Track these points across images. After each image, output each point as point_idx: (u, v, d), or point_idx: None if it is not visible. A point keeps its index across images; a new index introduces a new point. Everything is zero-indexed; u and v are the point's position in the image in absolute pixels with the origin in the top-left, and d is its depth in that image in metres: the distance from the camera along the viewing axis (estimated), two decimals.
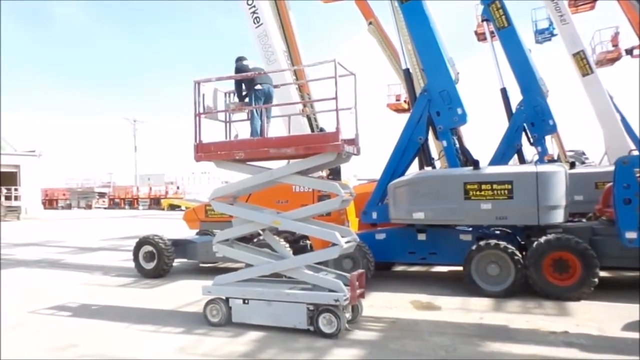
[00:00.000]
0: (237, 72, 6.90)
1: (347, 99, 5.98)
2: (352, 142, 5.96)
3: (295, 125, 8.43)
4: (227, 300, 6.07)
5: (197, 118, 6.33)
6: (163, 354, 5.13)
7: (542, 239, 7.16)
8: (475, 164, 7.95)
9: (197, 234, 11.12)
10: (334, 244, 5.75)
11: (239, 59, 7.22)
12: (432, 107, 8.74)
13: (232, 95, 7.05)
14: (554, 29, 18.41)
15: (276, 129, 7.56)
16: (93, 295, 8.14)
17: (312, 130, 10.18)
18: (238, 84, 6.90)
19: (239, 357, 5.00)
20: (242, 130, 6.91)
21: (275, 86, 7.37)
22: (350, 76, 6.07)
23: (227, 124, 6.90)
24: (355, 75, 6.06)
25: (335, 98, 5.63)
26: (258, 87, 6.78)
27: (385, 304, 6.98)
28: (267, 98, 6.89)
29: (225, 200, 6.45)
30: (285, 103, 8.43)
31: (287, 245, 8.03)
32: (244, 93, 6.89)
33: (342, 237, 5.82)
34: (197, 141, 6.29)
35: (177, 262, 10.25)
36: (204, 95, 6.48)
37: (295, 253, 8.00)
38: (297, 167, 5.99)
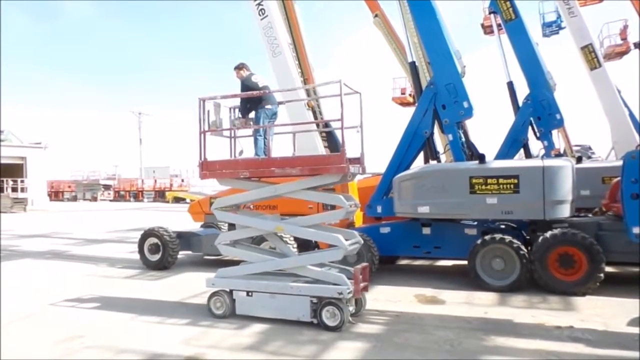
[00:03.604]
0: (247, 89, 6.88)
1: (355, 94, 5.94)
2: (357, 161, 5.95)
3: (302, 136, 8.48)
4: (231, 292, 6.10)
5: (202, 136, 6.34)
6: (169, 345, 5.15)
7: (548, 234, 7.13)
8: (481, 158, 7.90)
9: (201, 226, 11.16)
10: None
11: (241, 67, 7.19)
12: (438, 101, 8.67)
13: (236, 110, 7.05)
14: (561, 21, 18.22)
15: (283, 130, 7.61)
16: (99, 287, 8.19)
17: (317, 125, 10.13)
18: (244, 99, 6.90)
19: (245, 349, 5.02)
20: (246, 145, 6.98)
21: (281, 103, 7.46)
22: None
23: (232, 140, 6.90)
24: (360, 94, 6.03)
25: (341, 119, 5.63)
26: (269, 107, 6.87)
27: (390, 298, 6.99)
28: (273, 116, 7.01)
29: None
30: (294, 123, 8.51)
31: (292, 237, 8.03)
32: (248, 108, 6.96)
33: (346, 239, 5.84)
34: (202, 159, 6.31)
35: (181, 254, 10.30)
36: (208, 111, 6.50)
37: (299, 246, 8.04)
38: (301, 185, 6.04)
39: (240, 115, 7.02)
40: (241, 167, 6.20)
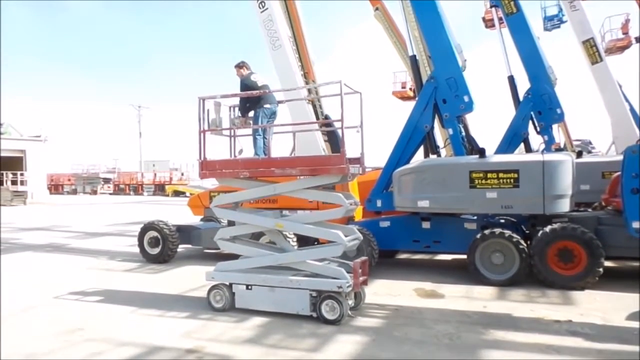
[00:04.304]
0: (246, 88, 6.86)
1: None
2: (357, 161, 5.93)
3: (303, 133, 8.43)
4: (230, 286, 6.10)
5: (202, 135, 6.31)
6: (169, 338, 5.17)
7: (548, 228, 7.14)
8: (481, 152, 7.89)
9: (201, 220, 11.16)
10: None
11: (241, 65, 7.19)
12: (439, 95, 8.64)
13: (236, 109, 7.03)
14: (563, 15, 18.16)
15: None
16: (99, 280, 8.21)
17: (317, 117, 10.11)
18: (243, 98, 6.88)
19: (244, 342, 5.03)
20: (245, 143, 6.98)
21: (280, 102, 7.45)
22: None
23: (232, 139, 6.87)
24: (360, 94, 6.01)
25: (341, 120, 5.62)
26: (267, 106, 6.87)
27: (389, 292, 7.00)
28: (272, 115, 6.99)
29: (227, 207, 6.48)
30: (295, 123, 8.43)
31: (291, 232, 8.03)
32: (247, 107, 6.95)
33: (346, 235, 5.85)
34: (202, 158, 6.30)
35: (181, 247, 10.32)
36: (208, 110, 6.48)
37: (299, 239, 8.04)
38: (301, 185, 6.04)
39: (240, 114, 7.02)
40: (241, 167, 6.18)
